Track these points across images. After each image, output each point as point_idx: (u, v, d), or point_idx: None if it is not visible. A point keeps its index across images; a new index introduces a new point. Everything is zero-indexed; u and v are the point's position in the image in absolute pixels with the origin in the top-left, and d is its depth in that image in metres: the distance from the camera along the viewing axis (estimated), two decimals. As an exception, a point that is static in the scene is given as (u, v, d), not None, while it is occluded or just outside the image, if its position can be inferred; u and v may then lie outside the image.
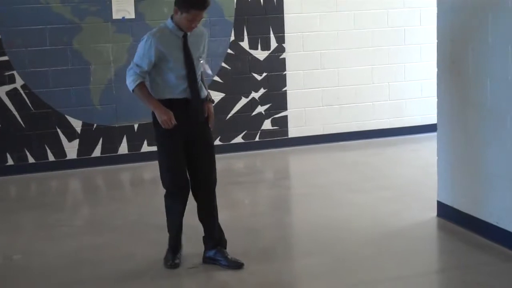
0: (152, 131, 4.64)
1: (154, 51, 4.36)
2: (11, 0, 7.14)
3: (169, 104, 4.45)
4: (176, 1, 4.34)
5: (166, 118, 4.40)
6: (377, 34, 8.30)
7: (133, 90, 4.46)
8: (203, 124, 4.61)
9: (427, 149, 7.19)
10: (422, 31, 8.36)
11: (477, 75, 4.87)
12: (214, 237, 4.61)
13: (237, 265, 4.53)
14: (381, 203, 5.86)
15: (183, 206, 4.60)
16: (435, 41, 5.32)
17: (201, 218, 4.65)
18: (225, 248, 4.63)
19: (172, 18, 4.41)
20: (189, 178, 4.58)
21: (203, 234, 4.66)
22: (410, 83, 8.50)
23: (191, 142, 4.54)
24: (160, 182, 4.63)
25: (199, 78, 4.56)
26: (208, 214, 4.63)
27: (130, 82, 4.43)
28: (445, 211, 5.32)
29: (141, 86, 4.44)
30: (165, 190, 4.63)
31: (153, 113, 4.51)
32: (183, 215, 4.63)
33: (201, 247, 4.63)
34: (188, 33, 4.42)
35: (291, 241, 5.34)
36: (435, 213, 5.42)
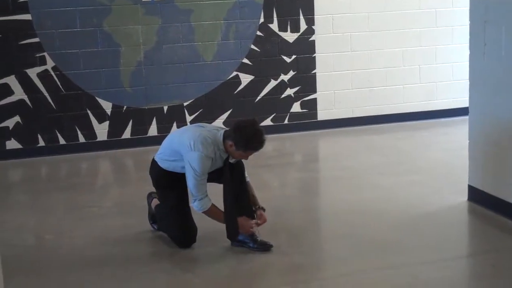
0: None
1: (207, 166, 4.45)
2: (42, -18, 7.20)
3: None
4: (234, 138, 4.38)
5: (247, 226, 4.52)
6: (408, 16, 8.20)
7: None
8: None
9: (458, 133, 7.13)
10: (454, 13, 8.24)
11: (510, 57, 4.78)
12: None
13: (265, 247, 4.53)
14: (411, 186, 5.82)
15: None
16: (468, 22, 5.23)
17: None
18: (254, 218, 4.63)
19: (223, 139, 4.43)
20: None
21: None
22: (442, 66, 8.40)
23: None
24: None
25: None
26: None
27: (201, 207, 4.48)
28: (476, 195, 5.26)
29: (212, 208, 4.52)
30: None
31: (154, 174, 4.75)
32: None
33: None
34: None
35: (319, 224, 5.34)
36: (465, 197, 5.36)
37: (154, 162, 4.77)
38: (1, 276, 3.52)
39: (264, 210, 4.68)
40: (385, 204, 5.39)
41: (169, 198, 4.68)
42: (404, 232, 4.79)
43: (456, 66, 8.30)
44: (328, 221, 5.29)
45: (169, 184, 4.67)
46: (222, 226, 4.60)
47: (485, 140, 5.16)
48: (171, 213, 4.66)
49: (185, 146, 4.45)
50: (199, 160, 4.38)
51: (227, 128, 4.58)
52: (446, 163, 6.45)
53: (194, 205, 4.50)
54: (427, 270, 4.17)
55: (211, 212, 4.54)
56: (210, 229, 4.71)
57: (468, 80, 5.31)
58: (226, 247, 4.61)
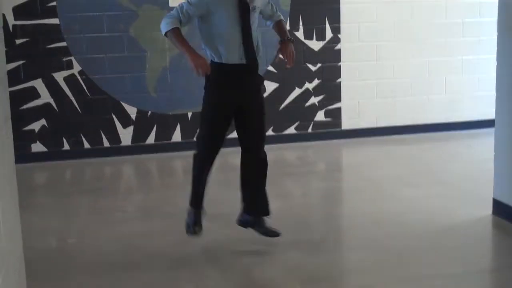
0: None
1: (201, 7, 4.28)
2: (71, -13, 7.27)
3: (223, 70, 4.39)
4: None
5: (201, 63, 4.28)
6: (435, 27, 8.16)
7: (165, 34, 4.33)
8: (257, 92, 4.60)
9: (483, 145, 7.07)
10: (481, 24, 8.19)
11: (538, 71, 4.75)
12: (259, 205, 4.62)
13: (273, 233, 4.55)
14: (434, 198, 5.78)
15: (211, 165, 4.61)
16: (495, 34, 5.20)
17: (246, 180, 4.62)
18: (268, 215, 4.63)
19: None
20: (239, 139, 4.60)
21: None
22: (467, 78, 8.34)
23: (242, 107, 4.53)
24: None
25: (255, 39, 4.45)
26: (258, 175, 4.62)
27: (165, 24, 4.26)
28: (501, 209, 5.20)
29: (175, 30, 4.29)
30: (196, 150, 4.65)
31: (207, 77, 4.43)
32: (210, 172, 4.64)
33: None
34: None
35: (341, 234, 5.32)
36: (490, 211, 5.31)
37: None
38: (24, 279, 3.55)
39: (292, 41, 4.58)
40: (408, 216, 5.36)
41: (210, 116, 4.52)
42: (427, 244, 4.76)
43: (483, 78, 8.24)
44: (350, 232, 5.27)
45: (214, 101, 4.50)
46: (240, 233, 4.60)
47: (511, 153, 5.11)
48: (207, 128, 4.55)
49: None
50: None
51: None
52: (470, 176, 6.40)
53: (162, 23, 4.30)
54: (449, 283, 4.13)
55: (174, 35, 4.31)
56: (232, 238, 4.71)
57: (494, 92, 5.27)
58: (246, 255, 4.61)
